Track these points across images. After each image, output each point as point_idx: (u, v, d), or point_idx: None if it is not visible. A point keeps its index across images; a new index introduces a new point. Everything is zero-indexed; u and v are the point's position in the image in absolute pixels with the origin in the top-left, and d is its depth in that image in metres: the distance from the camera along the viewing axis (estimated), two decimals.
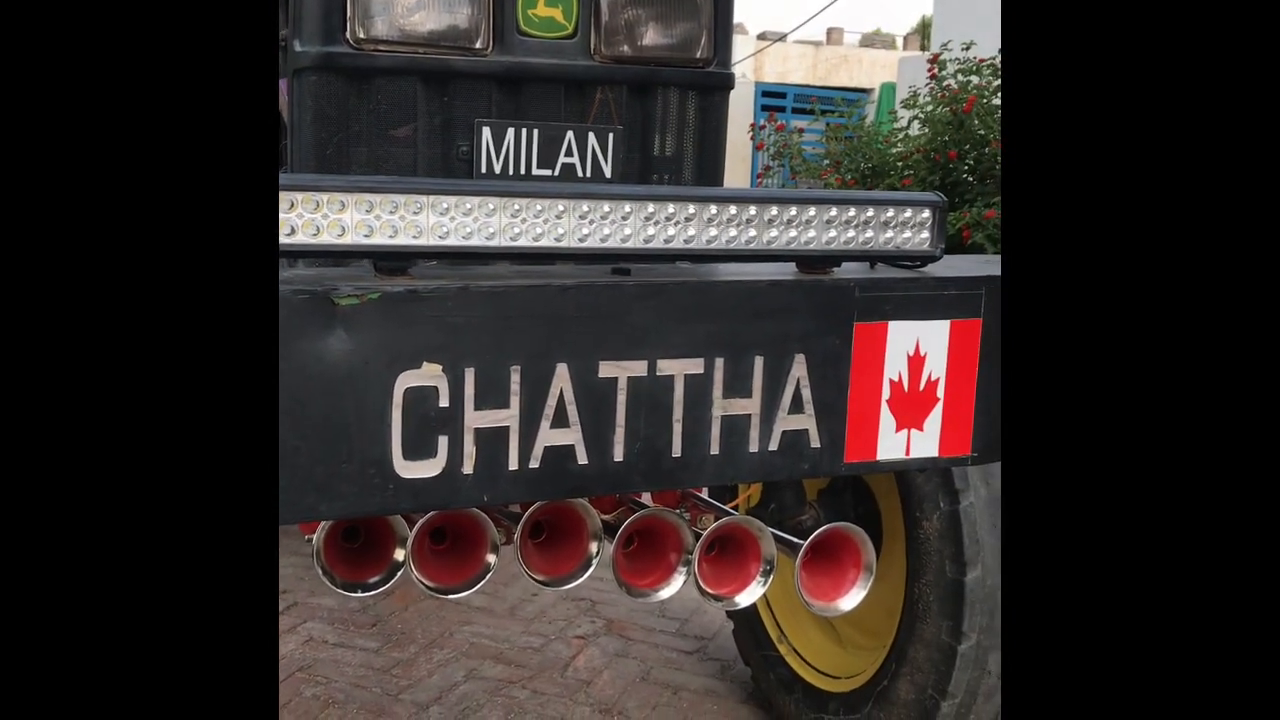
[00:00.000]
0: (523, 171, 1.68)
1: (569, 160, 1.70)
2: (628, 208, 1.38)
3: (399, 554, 1.50)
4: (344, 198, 1.25)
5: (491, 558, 1.52)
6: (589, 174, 1.72)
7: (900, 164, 5.44)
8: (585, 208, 1.36)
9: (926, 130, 5.46)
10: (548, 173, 1.70)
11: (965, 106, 4.90)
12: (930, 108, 5.47)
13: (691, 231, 1.41)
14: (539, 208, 1.34)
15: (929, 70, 5.63)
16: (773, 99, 15.90)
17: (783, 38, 17.19)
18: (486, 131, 1.65)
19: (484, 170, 1.66)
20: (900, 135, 5.71)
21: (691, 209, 1.40)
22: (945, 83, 5.46)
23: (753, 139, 8.13)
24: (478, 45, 1.63)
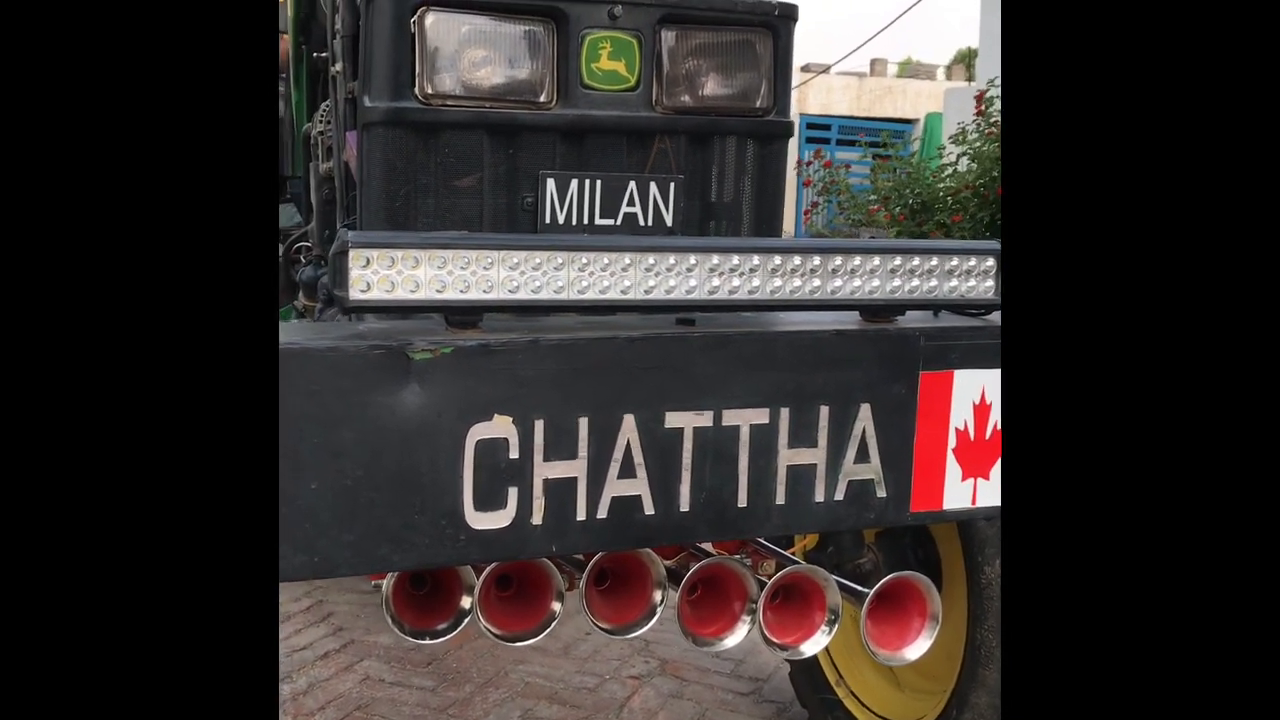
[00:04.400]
0: (586, 221, 1.71)
1: (631, 210, 1.73)
2: (693, 259, 1.39)
3: (466, 601, 1.51)
4: (418, 254, 1.28)
5: (557, 605, 1.53)
6: (650, 223, 1.74)
7: (949, 199, 5.42)
8: (651, 260, 1.38)
9: (975, 166, 5.44)
10: (610, 222, 1.72)
11: None
12: (979, 144, 5.45)
13: (756, 282, 1.42)
14: (605, 261, 1.36)
15: (976, 107, 5.62)
16: (817, 130, 15.93)
17: (827, 69, 17.23)
18: (551, 183, 1.68)
19: (548, 221, 1.69)
20: (949, 171, 5.70)
21: (756, 260, 1.42)
22: (993, 119, 5.46)
23: (799, 175, 8.15)
24: (542, 99, 1.67)
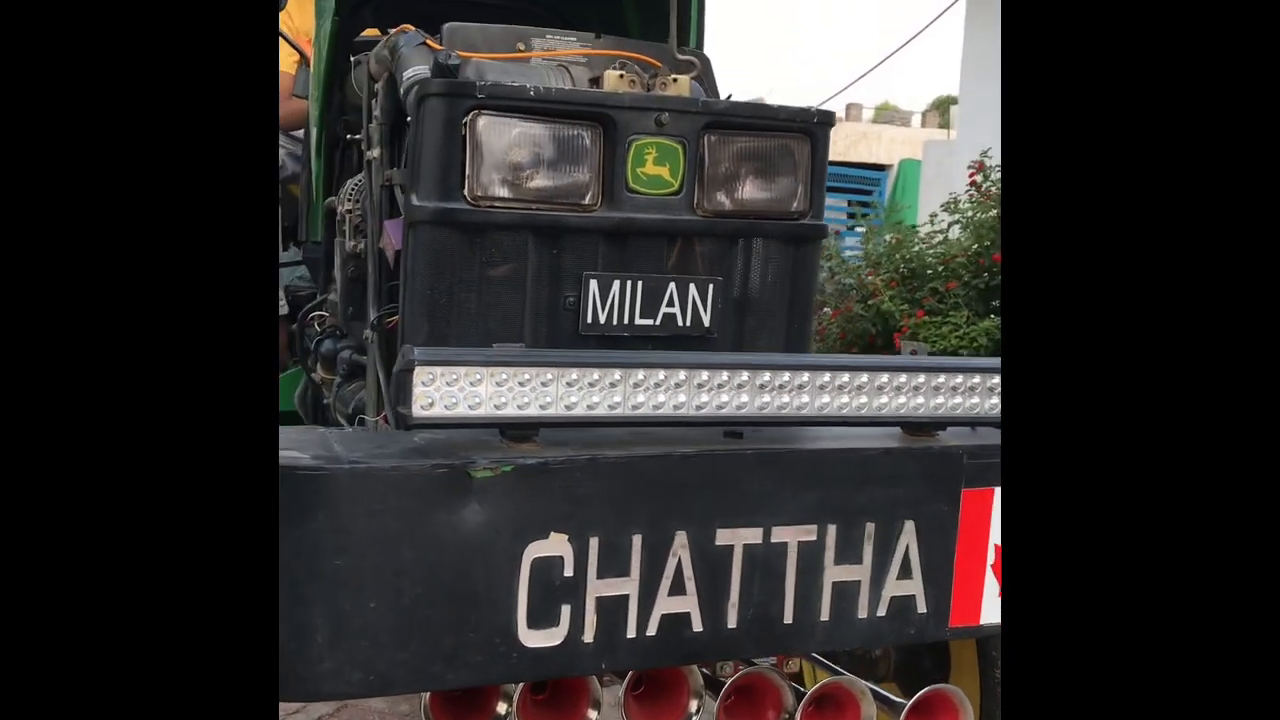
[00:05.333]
0: (626, 321, 1.72)
1: (670, 310, 1.74)
2: (744, 375, 1.41)
3: (502, 708, 1.51)
4: (480, 371, 1.29)
5: (594, 714, 1.53)
6: (688, 323, 1.76)
7: (941, 267, 5.48)
8: (704, 376, 1.40)
9: (968, 233, 5.51)
10: (650, 322, 1.74)
11: None
12: (971, 213, 5.52)
13: (805, 399, 1.44)
14: (660, 377, 1.38)
15: (970, 175, 5.70)
16: None
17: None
18: (594, 284, 1.69)
19: (589, 320, 1.70)
20: (940, 239, 5.76)
21: (805, 377, 1.44)
22: (985, 187, 5.53)
23: None
24: (587, 201, 1.69)
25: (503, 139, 1.63)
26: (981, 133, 8.07)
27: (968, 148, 7.74)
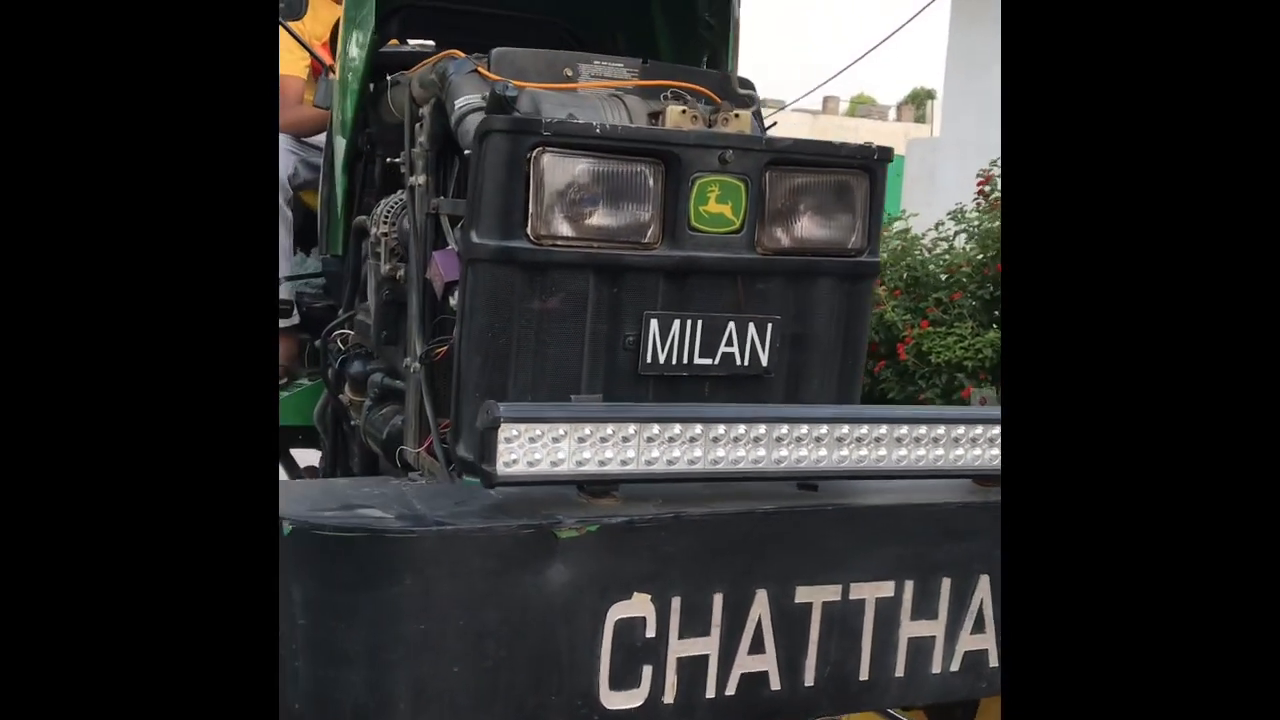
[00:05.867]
0: (685, 360, 1.70)
1: (729, 350, 1.72)
2: (824, 429, 1.39)
3: None
4: (562, 428, 1.27)
5: None
6: (747, 362, 1.73)
7: (945, 276, 5.47)
8: (783, 430, 1.37)
9: (974, 242, 5.50)
10: (709, 362, 1.71)
11: None
12: (979, 223, 5.51)
13: (882, 451, 1.42)
14: (740, 431, 1.35)
15: (978, 184, 5.69)
16: None
17: (784, 107, 17.44)
18: (654, 323, 1.66)
19: (649, 360, 1.68)
20: (944, 248, 5.75)
21: (883, 429, 1.42)
22: (994, 197, 5.53)
23: None
24: (649, 239, 1.66)
25: (566, 176, 1.60)
26: (965, 129, 8.03)
27: (952, 144, 7.72)
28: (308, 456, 3.24)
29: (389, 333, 2.17)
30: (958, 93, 8.97)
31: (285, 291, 2.93)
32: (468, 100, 1.80)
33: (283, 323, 2.92)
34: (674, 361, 1.69)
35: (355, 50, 2.37)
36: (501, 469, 1.24)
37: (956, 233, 5.61)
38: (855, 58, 25.16)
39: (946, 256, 5.57)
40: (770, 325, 1.74)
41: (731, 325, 1.72)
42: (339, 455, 2.71)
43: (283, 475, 3.61)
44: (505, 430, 1.24)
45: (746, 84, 1.98)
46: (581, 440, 1.28)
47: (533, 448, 1.26)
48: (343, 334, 2.57)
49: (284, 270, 2.94)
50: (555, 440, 1.27)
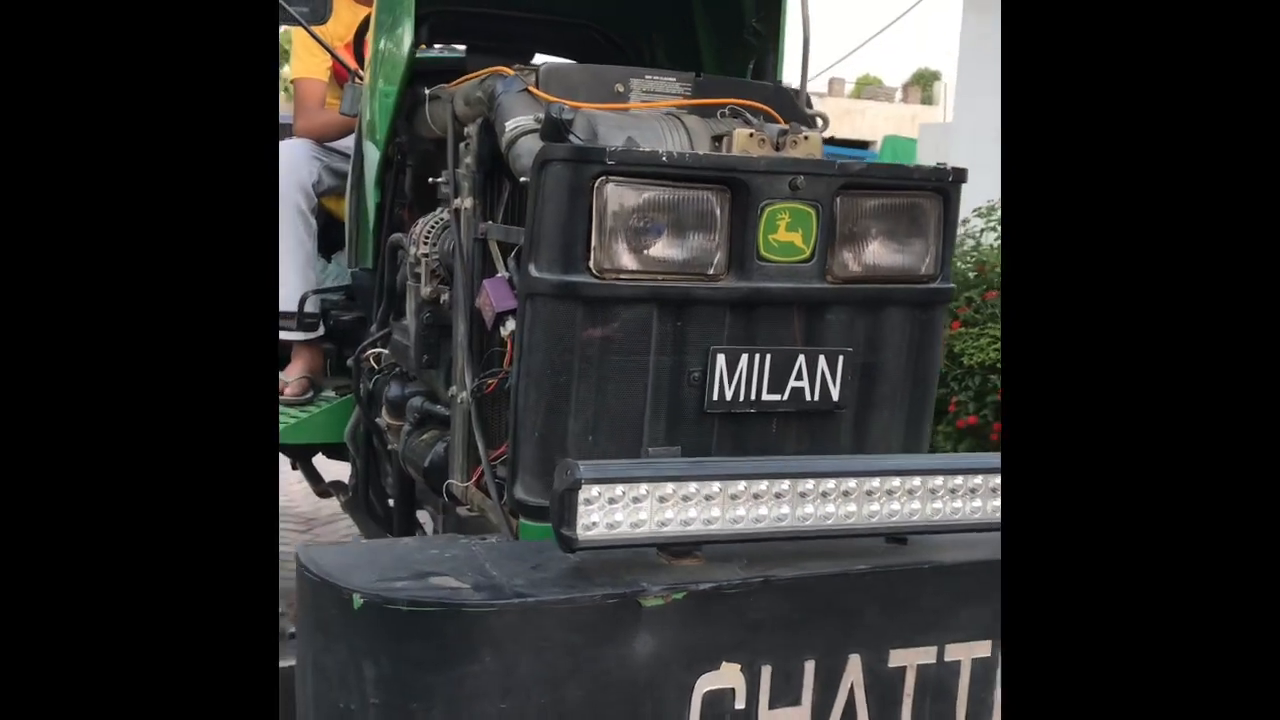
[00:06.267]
0: (753, 397, 1.61)
1: (798, 384, 1.63)
2: (916, 481, 1.31)
3: None
4: (644, 488, 1.19)
5: None
6: (817, 397, 1.65)
7: (974, 275, 5.35)
8: (874, 484, 1.29)
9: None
10: (777, 398, 1.62)
11: None
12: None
13: (977, 503, 1.34)
14: (829, 486, 1.27)
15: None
16: None
17: (796, 93, 17.35)
18: (720, 358, 1.58)
19: (715, 397, 1.59)
20: (970, 244, 5.63)
21: (978, 480, 1.34)
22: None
23: None
24: (714, 271, 1.57)
25: (631, 207, 1.52)
26: (979, 114, 7.93)
27: (965, 129, 7.61)
28: (333, 469, 3.18)
29: (430, 357, 2.09)
30: (971, 77, 8.87)
31: (312, 304, 2.85)
32: (519, 123, 1.71)
33: (308, 335, 2.85)
34: (741, 398, 1.61)
35: (391, 57, 2.28)
36: (582, 533, 1.16)
37: (984, 230, 5.50)
38: (861, 41, 24.99)
39: (974, 254, 5.46)
40: (842, 357, 1.66)
41: (801, 359, 1.63)
42: (372, 475, 2.63)
43: (305, 485, 3.56)
44: (585, 491, 1.16)
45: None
46: (663, 500, 1.20)
47: (613, 509, 1.18)
48: (376, 353, 2.49)
49: (310, 281, 2.87)
50: (636, 501, 1.19)
